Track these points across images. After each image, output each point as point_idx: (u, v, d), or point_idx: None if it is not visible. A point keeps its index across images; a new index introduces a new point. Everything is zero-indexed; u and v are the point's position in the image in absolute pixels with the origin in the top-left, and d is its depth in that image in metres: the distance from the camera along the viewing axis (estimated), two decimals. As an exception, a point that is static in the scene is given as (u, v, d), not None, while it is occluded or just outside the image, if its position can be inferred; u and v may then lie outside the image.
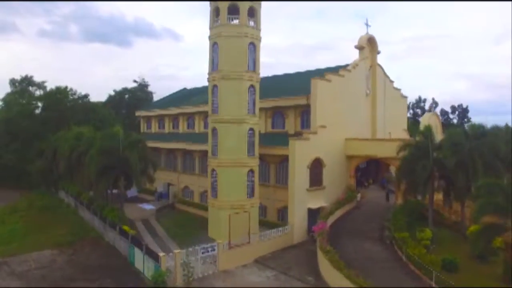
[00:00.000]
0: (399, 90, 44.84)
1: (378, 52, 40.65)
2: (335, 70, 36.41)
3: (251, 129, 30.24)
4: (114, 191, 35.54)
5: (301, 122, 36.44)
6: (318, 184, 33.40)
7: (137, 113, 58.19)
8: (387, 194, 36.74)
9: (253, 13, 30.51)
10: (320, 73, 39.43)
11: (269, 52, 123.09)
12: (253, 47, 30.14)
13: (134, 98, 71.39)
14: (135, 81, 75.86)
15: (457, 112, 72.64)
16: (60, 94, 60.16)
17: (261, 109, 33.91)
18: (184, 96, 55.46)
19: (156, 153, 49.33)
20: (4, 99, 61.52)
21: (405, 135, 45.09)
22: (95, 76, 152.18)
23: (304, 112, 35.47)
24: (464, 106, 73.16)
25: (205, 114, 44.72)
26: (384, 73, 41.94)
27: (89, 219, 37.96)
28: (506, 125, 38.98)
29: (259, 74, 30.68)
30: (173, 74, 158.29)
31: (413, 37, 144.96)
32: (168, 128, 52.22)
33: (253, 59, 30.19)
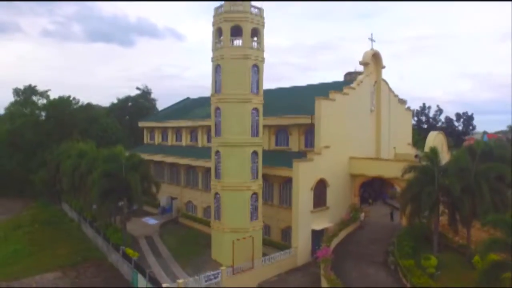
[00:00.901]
0: (403, 104, 44.47)
1: (383, 67, 40.23)
2: (339, 88, 36.01)
3: (255, 152, 30.01)
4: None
5: (305, 140, 36.24)
6: (322, 205, 33.19)
7: (140, 124, 58.03)
8: (391, 213, 36.43)
9: (256, 34, 30.26)
10: (324, 89, 39.24)
11: (271, 52, 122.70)
12: (256, 68, 29.89)
13: (137, 106, 71.23)
14: (138, 88, 75.90)
15: (462, 120, 72.12)
16: (63, 104, 60.06)
17: (264, 126, 33.68)
18: (187, 107, 55.27)
19: (159, 166, 49.32)
20: (7, 110, 61.54)
21: (410, 149, 44.86)
22: (99, 75, 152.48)
23: (308, 131, 35.24)
24: (470, 113, 72.67)
25: (208, 128, 44.67)
26: (389, 88, 41.56)
27: (92, 237, 37.97)
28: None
29: (262, 96, 30.41)
30: (176, 73, 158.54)
31: (417, 37, 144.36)
32: (171, 140, 52.08)
33: (256, 81, 29.95)
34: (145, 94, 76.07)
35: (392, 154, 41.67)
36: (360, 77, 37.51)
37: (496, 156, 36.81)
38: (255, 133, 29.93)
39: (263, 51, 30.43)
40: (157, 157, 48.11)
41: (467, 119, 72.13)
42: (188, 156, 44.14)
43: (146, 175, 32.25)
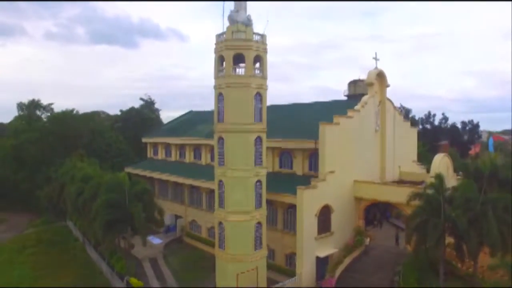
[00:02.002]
0: (408, 121, 44.01)
1: (387, 86, 39.78)
2: (343, 108, 35.67)
3: (259, 181, 29.74)
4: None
5: (309, 163, 36.01)
6: (326, 230, 32.94)
7: (144, 140, 57.91)
8: (396, 236, 36.04)
9: (259, 60, 29.90)
10: (328, 108, 39.03)
11: (275, 51, 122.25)
12: (259, 97, 29.52)
13: (141, 117, 71.12)
14: (141, 98, 75.81)
15: (467, 128, 71.47)
16: (66, 118, 60.11)
17: (268, 148, 33.34)
18: (190, 122, 55.08)
19: (163, 184, 49.19)
20: (11, 125, 61.75)
21: (415, 166, 44.46)
22: (102, 77, 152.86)
23: (312, 155, 34.98)
24: (475, 120, 71.98)
25: (211, 147, 44.49)
26: (394, 107, 41.12)
27: (96, 259, 38.01)
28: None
29: (265, 124, 30.09)
30: (180, 74, 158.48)
31: (421, 35, 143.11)
32: (174, 156, 51.95)
33: (260, 109, 29.58)
34: (149, 104, 76.04)
35: (397, 173, 41.32)
36: (364, 98, 37.11)
37: (503, 179, 36.44)
38: (259, 162, 29.58)
39: (266, 78, 30.07)
40: (161, 176, 47.94)
41: (473, 127, 71.45)
42: (191, 174, 43.93)
43: (150, 203, 32.09)
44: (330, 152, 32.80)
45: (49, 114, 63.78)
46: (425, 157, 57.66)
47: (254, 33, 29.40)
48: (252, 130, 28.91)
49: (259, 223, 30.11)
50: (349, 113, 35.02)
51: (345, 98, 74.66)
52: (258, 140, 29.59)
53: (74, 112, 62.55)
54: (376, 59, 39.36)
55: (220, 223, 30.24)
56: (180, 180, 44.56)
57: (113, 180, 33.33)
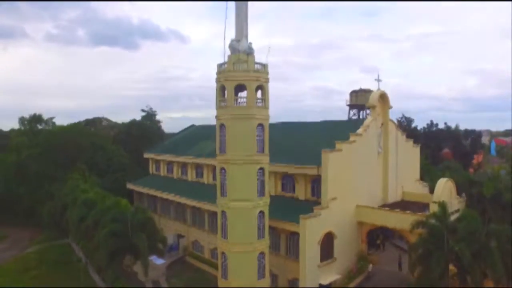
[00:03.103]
0: (410, 140, 43.83)
1: (390, 107, 39.58)
2: (346, 133, 35.52)
3: (261, 211, 29.66)
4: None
5: (311, 188, 35.94)
6: (329, 257, 32.97)
7: (146, 155, 57.90)
8: (399, 261, 35.92)
9: (261, 90, 29.75)
10: (331, 129, 38.86)
11: (274, 52, 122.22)
12: (262, 127, 29.39)
13: (143, 130, 71.03)
14: (143, 110, 75.69)
15: (469, 139, 71.28)
16: (68, 133, 60.14)
17: (270, 171, 33.22)
18: (193, 137, 55.02)
19: (165, 202, 49.13)
20: (13, 140, 61.84)
21: (418, 185, 44.36)
22: (103, 78, 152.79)
23: (315, 180, 34.89)
24: (477, 130, 71.71)
25: (213, 166, 44.41)
26: (396, 127, 40.96)
27: (99, 284, 37.99)
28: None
29: (268, 155, 29.98)
30: (182, 75, 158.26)
31: (421, 34, 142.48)
32: (176, 173, 51.93)
33: (262, 139, 29.45)
34: (150, 116, 75.96)
35: (399, 194, 41.27)
36: (367, 121, 37.00)
37: (504, 202, 36.40)
38: (261, 193, 29.50)
39: (268, 108, 29.92)
40: (163, 195, 47.93)
41: (475, 137, 71.28)
42: (194, 194, 43.90)
43: (153, 233, 32.09)
44: (332, 179, 32.76)
45: (50, 127, 63.74)
46: (427, 171, 57.55)
47: (255, 63, 29.28)
48: (254, 162, 28.78)
49: (262, 253, 30.07)
50: (352, 138, 34.93)
51: (347, 107, 74.65)
52: (261, 171, 29.48)
53: (77, 121, 62.59)
54: (378, 80, 39.29)
55: (223, 253, 30.22)
56: (183, 200, 44.51)
57: (115, 207, 33.30)
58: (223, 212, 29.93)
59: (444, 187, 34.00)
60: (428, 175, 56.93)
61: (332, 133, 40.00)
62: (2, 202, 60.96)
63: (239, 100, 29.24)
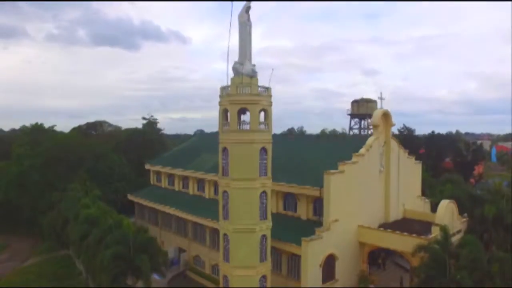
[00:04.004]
0: (412, 157, 43.78)
1: (393, 125, 39.58)
2: (348, 151, 35.47)
3: (264, 235, 29.63)
4: None
5: (313, 208, 35.89)
6: (331, 279, 32.99)
7: (147, 166, 57.88)
8: (400, 280, 35.97)
9: (264, 114, 29.71)
10: (334, 148, 38.78)
11: (275, 53, 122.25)
12: (265, 151, 29.36)
13: (144, 139, 71.03)
14: (144, 118, 75.69)
15: (471, 150, 71.34)
16: (70, 142, 60.13)
17: (272, 190, 33.16)
18: (194, 148, 55.01)
19: (166, 215, 49.05)
20: (14, 150, 61.89)
21: (419, 202, 44.34)
22: (104, 79, 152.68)
23: (317, 200, 34.87)
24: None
25: (214, 181, 44.39)
26: (398, 145, 40.88)
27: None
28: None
29: (271, 178, 29.97)
30: (182, 76, 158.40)
31: (422, 37, 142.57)
32: (178, 186, 51.90)
33: (265, 163, 29.42)
34: (151, 123, 75.96)
35: (401, 212, 41.23)
36: (369, 141, 36.93)
37: (507, 223, 36.36)
38: (264, 216, 29.49)
39: (271, 131, 29.91)
40: (164, 208, 47.90)
41: (477, 148, 71.33)
42: (195, 209, 43.88)
43: (155, 255, 32.09)
44: (335, 200, 32.75)
45: (52, 135, 63.69)
46: (429, 184, 57.57)
47: (259, 86, 29.24)
48: (257, 186, 28.75)
49: (264, 276, 30.04)
50: (354, 159, 34.88)
51: (348, 116, 74.68)
52: (263, 194, 29.46)
53: (77, 124, 62.52)
54: (381, 98, 39.26)
55: (225, 276, 30.21)
56: (184, 215, 44.46)
57: (117, 227, 33.32)
58: (225, 235, 29.92)
59: (446, 209, 33.99)
60: (430, 188, 56.99)
61: (334, 149, 40.19)
62: (3, 211, 61.03)
63: (242, 124, 29.05)
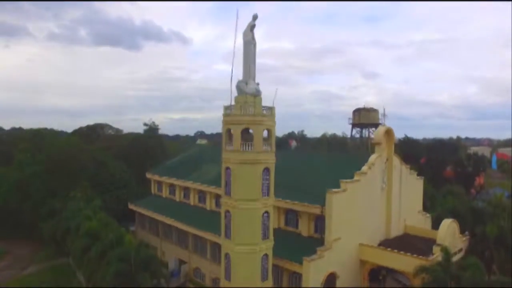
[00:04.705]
0: (414, 173, 43.79)
1: (395, 142, 39.57)
2: (351, 169, 35.50)
3: (266, 254, 29.67)
4: None
5: (314, 225, 35.92)
6: (332, 297, 32.97)
7: (148, 175, 57.88)
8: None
9: (267, 134, 29.72)
10: (337, 164, 38.73)
11: (275, 55, 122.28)
12: (268, 171, 29.39)
13: (146, 146, 71.02)
14: (145, 124, 75.76)
15: (472, 161, 71.48)
16: (72, 150, 60.11)
17: (274, 206, 33.18)
18: (196, 160, 54.97)
19: (167, 226, 49.04)
20: (16, 157, 61.91)
21: (420, 218, 44.34)
22: (105, 78, 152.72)
23: (318, 218, 34.89)
24: (480, 154, 71.84)
25: (215, 194, 44.44)
26: (400, 161, 40.88)
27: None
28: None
29: (273, 198, 30.01)
30: (183, 76, 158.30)
31: (422, 40, 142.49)
32: (179, 196, 51.90)
33: (267, 183, 29.46)
34: (152, 129, 75.95)
35: (402, 227, 41.26)
36: (371, 159, 36.91)
37: (508, 243, 36.41)
38: (265, 235, 29.53)
39: (274, 151, 29.92)
40: (165, 219, 47.91)
41: (478, 160, 71.52)
42: (196, 221, 43.89)
43: (156, 272, 32.15)
44: (336, 219, 32.77)
45: (53, 138, 63.68)
46: (430, 196, 57.52)
47: (263, 107, 29.23)
48: (259, 206, 28.78)
49: (265, 296, 30.08)
50: (356, 177, 34.90)
51: (350, 125, 74.52)
52: (266, 214, 29.48)
53: (80, 127, 62.50)
54: (384, 115, 39.27)
55: (227, 296, 30.27)
56: (184, 227, 44.48)
57: (119, 243, 33.39)
58: (226, 254, 29.95)
59: (448, 229, 34.03)
60: (430, 200, 56.98)
61: (336, 164, 40.25)
62: (3, 215, 60.99)
63: (246, 147, 28.86)
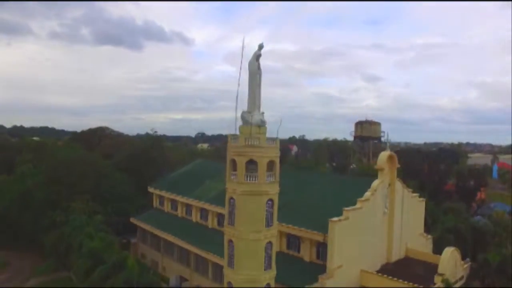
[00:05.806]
0: (416, 195, 43.91)
1: (398, 167, 39.62)
2: (354, 193, 35.61)
3: (268, 284, 29.78)
4: None
5: (316, 251, 36.07)
6: (333, 325, 33.10)
7: (150, 190, 57.97)
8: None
9: (271, 165, 29.76)
10: (339, 188, 38.79)
11: (277, 57, 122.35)
12: (271, 202, 29.49)
13: (147, 156, 70.99)
14: (146, 133, 75.67)
15: (474, 175, 71.65)
16: (73, 162, 60.16)
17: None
18: (198, 175, 55.04)
19: (169, 242, 49.13)
20: (18, 168, 61.97)
21: (421, 240, 44.48)
22: (107, 77, 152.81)
23: (320, 244, 35.03)
24: (481, 164, 71.80)
25: (217, 212, 44.60)
26: (402, 185, 40.98)
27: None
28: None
29: (276, 228, 30.11)
30: (185, 77, 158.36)
31: (424, 44, 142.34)
32: (181, 212, 52.02)
33: (271, 214, 29.56)
34: (156, 138, 75.88)
35: (403, 250, 41.41)
36: (374, 185, 36.98)
37: (509, 272, 36.55)
38: (268, 266, 29.63)
39: (278, 182, 30.00)
40: (167, 236, 48.03)
41: (479, 175, 71.72)
42: (198, 239, 44.04)
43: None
44: (338, 247, 32.90)
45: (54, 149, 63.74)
46: (432, 214, 57.52)
47: (267, 139, 29.26)
48: (263, 237, 28.86)
49: (267, 326, 30.20)
50: (359, 204, 35.01)
51: (352, 138, 74.39)
52: (269, 245, 29.59)
53: (80, 130, 62.26)
54: (387, 140, 39.28)
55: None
56: (186, 246, 44.61)
57: (121, 266, 33.56)
58: (229, 283, 30.07)
59: (450, 258, 34.18)
60: (431, 216, 56.97)
61: (340, 191, 40.27)
62: (3, 226, 61.03)
63: (249, 176, 28.87)
